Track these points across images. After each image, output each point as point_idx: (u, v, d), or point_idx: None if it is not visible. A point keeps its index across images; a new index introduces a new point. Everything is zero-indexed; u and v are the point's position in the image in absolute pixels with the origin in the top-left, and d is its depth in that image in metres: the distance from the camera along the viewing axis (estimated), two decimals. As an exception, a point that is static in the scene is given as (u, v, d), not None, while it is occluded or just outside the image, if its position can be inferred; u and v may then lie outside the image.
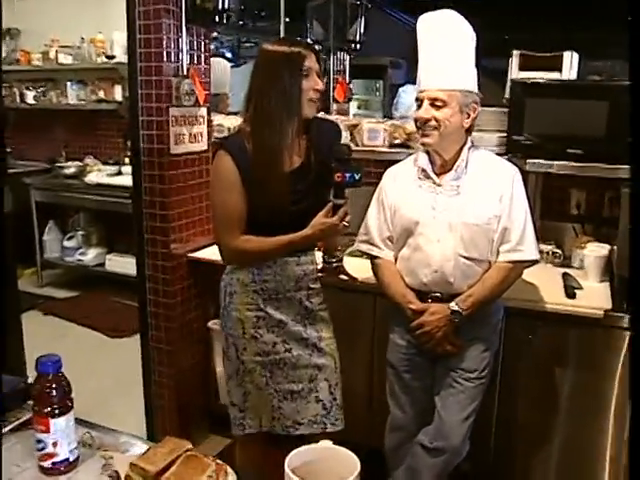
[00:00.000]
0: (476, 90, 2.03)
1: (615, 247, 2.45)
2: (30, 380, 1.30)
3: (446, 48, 1.99)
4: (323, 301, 2.13)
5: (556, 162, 2.48)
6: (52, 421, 1.13)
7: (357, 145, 3.00)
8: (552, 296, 2.33)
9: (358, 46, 4.04)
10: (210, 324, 3.02)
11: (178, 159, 2.74)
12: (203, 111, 2.85)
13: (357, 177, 1.88)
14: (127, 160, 5.13)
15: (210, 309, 3.05)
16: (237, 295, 2.03)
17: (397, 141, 3.02)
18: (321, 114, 2.37)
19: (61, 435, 1.15)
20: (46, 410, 1.13)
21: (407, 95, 3.34)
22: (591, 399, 2.35)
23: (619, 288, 2.30)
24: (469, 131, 2.06)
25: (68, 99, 5.30)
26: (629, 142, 1.13)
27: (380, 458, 2.31)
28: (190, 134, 2.76)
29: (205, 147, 2.89)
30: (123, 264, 4.87)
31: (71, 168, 5.17)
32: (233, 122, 3.24)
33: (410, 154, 2.30)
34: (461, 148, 2.05)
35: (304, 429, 2.10)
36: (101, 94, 5.15)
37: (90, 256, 5.12)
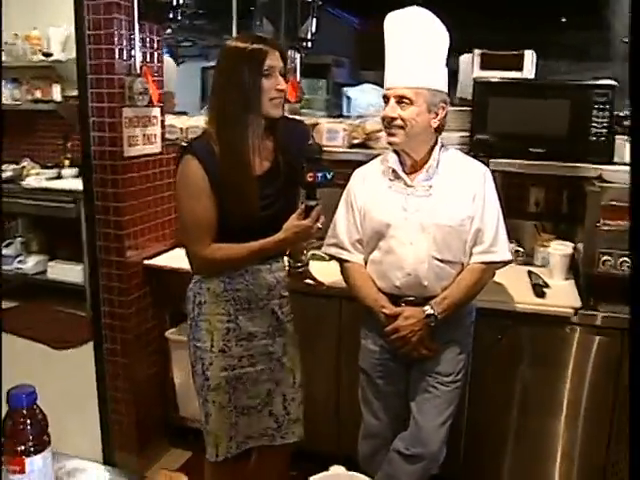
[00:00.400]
0: (445, 89, 2.00)
1: (579, 245, 2.47)
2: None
3: (413, 46, 1.94)
4: (290, 310, 2.07)
5: (519, 161, 2.48)
6: (27, 460, 1.00)
7: (316, 145, 2.93)
8: (521, 295, 2.33)
9: (309, 44, 3.96)
10: (167, 334, 2.90)
11: (132, 162, 2.59)
12: (157, 111, 2.71)
13: (329, 176, 1.81)
14: (67, 163, 4.91)
15: (167, 318, 2.93)
16: (207, 305, 1.93)
17: (356, 141, 2.96)
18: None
19: (38, 475, 1.02)
20: (20, 448, 1.00)
21: (364, 94, 3.28)
22: (557, 397, 2.37)
23: (586, 286, 2.32)
24: (439, 131, 2.02)
25: (1, 99, 5.02)
26: (630, 141, 1.11)
27: (349, 465, 2.25)
28: (144, 135, 2.62)
29: (159, 149, 2.76)
30: (66, 271, 4.71)
31: (7, 172, 4.90)
32: (185, 122, 3.12)
33: (373, 155, 2.25)
34: (432, 148, 2.01)
35: (253, 442, 2.05)
36: (38, 94, 4.89)
37: (30, 264, 4.87)
